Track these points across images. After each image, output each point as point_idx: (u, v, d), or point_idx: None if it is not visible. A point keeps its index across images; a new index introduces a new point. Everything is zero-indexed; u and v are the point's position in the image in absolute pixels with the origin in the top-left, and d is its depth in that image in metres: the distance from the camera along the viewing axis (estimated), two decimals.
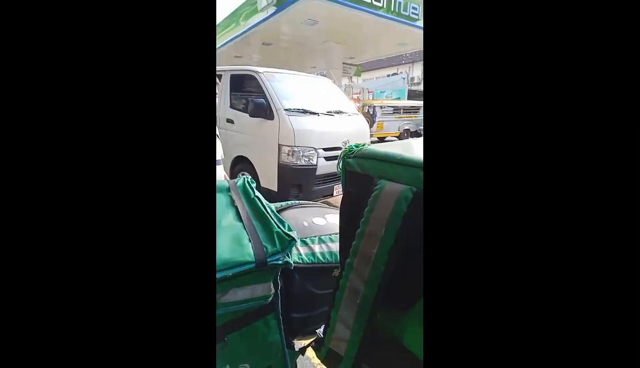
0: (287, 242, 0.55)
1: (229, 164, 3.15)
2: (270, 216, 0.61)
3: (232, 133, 3.09)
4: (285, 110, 2.70)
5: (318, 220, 0.74)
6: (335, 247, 0.67)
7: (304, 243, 0.64)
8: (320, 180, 2.82)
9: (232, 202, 0.70)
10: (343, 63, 9.81)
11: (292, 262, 0.56)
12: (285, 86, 3.01)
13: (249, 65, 3.50)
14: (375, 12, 6.34)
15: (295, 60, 10.14)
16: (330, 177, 2.89)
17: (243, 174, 1.52)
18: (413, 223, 0.39)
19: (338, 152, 2.94)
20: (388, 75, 17.72)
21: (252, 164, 2.93)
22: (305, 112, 2.82)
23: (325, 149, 2.80)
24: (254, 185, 0.76)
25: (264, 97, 2.79)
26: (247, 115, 2.83)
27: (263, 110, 2.73)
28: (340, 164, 0.48)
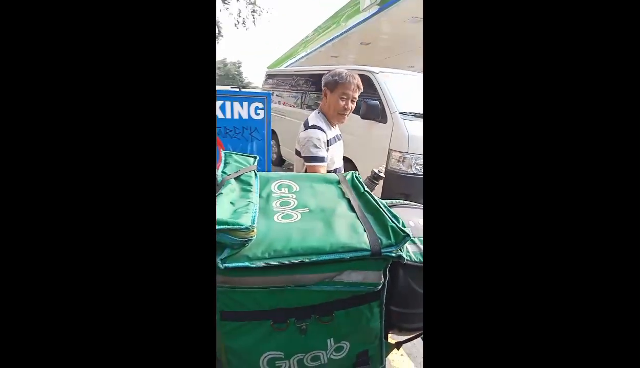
0: (402, 237, 0.56)
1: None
2: (383, 211, 0.63)
3: None
4: (401, 113, 2.52)
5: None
6: None
7: (412, 242, 0.65)
8: None
9: (343, 194, 0.74)
10: None
11: (404, 256, 0.59)
12: (402, 87, 2.83)
13: (347, 65, 3.41)
14: None
15: (392, 59, 9.83)
16: None
17: None
18: None
19: None
20: None
21: (355, 166, 2.85)
22: (422, 116, 2.60)
23: None
24: (361, 180, 0.80)
25: (378, 98, 2.67)
26: (357, 116, 2.75)
27: (376, 112, 2.61)
28: None
